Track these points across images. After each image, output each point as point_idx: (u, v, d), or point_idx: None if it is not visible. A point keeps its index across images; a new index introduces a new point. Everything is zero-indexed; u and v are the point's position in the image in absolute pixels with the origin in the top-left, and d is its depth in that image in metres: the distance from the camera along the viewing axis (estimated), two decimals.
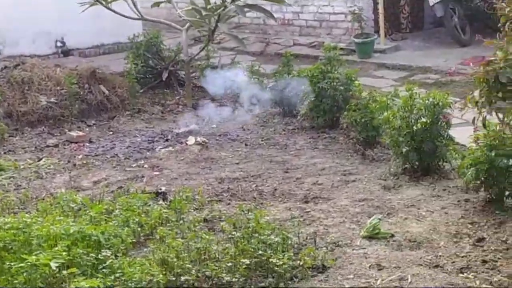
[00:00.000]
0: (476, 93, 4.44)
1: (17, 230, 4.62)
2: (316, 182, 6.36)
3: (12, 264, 4.16)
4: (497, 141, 5.04)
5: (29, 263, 4.11)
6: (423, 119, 6.20)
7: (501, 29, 4.42)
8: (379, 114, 6.75)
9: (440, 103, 6.15)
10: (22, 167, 7.03)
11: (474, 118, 4.44)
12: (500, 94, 4.35)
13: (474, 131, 4.85)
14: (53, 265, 4.08)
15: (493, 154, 5.27)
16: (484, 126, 4.54)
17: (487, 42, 4.55)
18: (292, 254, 4.69)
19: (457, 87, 9.24)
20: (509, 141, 5.29)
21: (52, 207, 5.43)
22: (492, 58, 4.36)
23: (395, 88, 7.10)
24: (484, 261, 4.61)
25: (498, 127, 4.72)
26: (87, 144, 7.87)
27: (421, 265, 4.62)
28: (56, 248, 4.25)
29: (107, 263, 4.35)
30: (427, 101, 6.19)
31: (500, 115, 4.44)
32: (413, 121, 6.24)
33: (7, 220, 4.79)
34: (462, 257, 4.70)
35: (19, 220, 4.77)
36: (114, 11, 9.49)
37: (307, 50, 12.52)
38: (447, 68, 10.47)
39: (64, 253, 4.22)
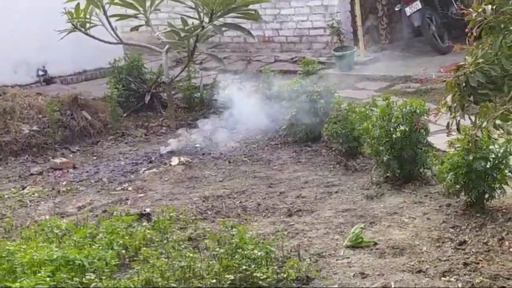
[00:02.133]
0: (449, 98, 4.48)
1: (1, 259, 4.64)
2: (300, 195, 6.40)
3: None
4: (470, 144, 5.10)
5: None
6: (402, 127, 6.27)
7: (469, 34, 4.48)
8: (358, 124, 6.82)
9: (418, 111, 6.22)
10: (6, 196, 7.03)
11: (448, 123, 4.48)
12: (471, 98, 4.40)
13: (448, 136, 4.90)
14: None
15: (470, 158, 5.34)
16: (458, 130, 4.58)
17: (456, 48, 4.60)
18: (276, 267, 4.71)
19: (437, 94, 9.31)
20: (485, 144, 5.36)
21: (36, 234, 5.44)
22: (462, 63, 4.41)
23: (373, 98, 7.17)
24: (465, 264, 4.65)
25: (471, 131, 4.79)
26: (71, 170, 7.88)
27: (404, 271, 4.66)
28: (40, 274, 4.27)
29: (92, 286, 4.37)
30: (404, 109, 6.26)
31: (473, 118, 4.50)
32: (392, 129, 6.30)
33: None
34: (445, 261, 4.75)
35: (2, 248, 4.80)
36: (93, 37, 9.54)
37: (289, 65, 12.60)
38: (428, 76, 10.56)
39: (48, 279, 4.24)
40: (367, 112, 6.82)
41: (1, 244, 5.12)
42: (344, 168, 7.09)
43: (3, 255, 4.66)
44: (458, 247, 4.94)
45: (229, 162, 7.72)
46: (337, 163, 7.23)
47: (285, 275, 4.59)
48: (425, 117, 6.22)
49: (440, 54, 11.96)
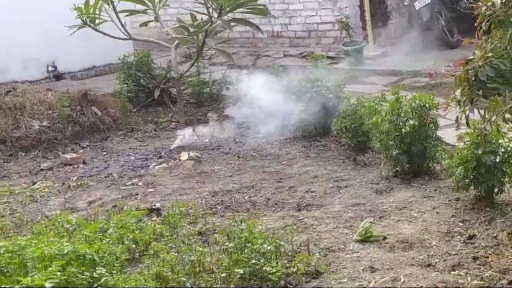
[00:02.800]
0: (458, 92, 4.48)
1: (12, 253, 4.66)
2: (309, 190, 6.41)
3: (8, 287, 4.20)
4: (479, 138, 5.10)
5: (24, 285, 4.15)
6: (411, 122, 6.26)
7: (478, 28, 4.47)
8: (368, 119, 6.82)
9: (427, 105, 6.21)
10: (17, 191, 7.07)
11: (457, 117, 4.48)
12: (480, 92, 4.39)
13: (457, 130, 4.90)
14: (48, 285, 4.11)
15: (479, 152, 5.34)
16: (468, 124, 4.58)
17: (465, 41, 4.59)
18: (285, 261, 4.75)
19: (446, 88, 9.29)
20: (494, 138, 5.35)
21: (47, 229, 5.47)
22: (471, 57, 4.41)
23: (382, 93, 7.16)
24: (475, 258, 4.66)
25: (480, 125, 4.79)
26: (81, 165, 7.93)
27: (414, 265, 4.67)
28: (51, 269, 4.29)
29: (102, 280, 4.39)
30: (413, 104, 6.25)
31: (482, 112, 4.49)
32: (401, 124, 6.29)
33: (2, 244, 4.84)
34: (454, 255, 4.75)
35: (14, 243, 4.82)
36: (103, 33, 9.55)
37: (298, 60, 12.59)
38: (437, 71, 10.54)
39: (58, 273, 4.25)
40: (376, 107, 6.82)
41: (12, 238, 5.15)
42: (353, 162, 7.09)
43: (15, 249, 4.68)
44: (468, 241, 4.95)
45: (238, 157, 7.74)
46: (346, 158, 7.24)
47: (294, 269, 4.62)
48: (434, 111, 6.21)
49: (449, 48, 11.91)
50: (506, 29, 4.29)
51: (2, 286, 4.23)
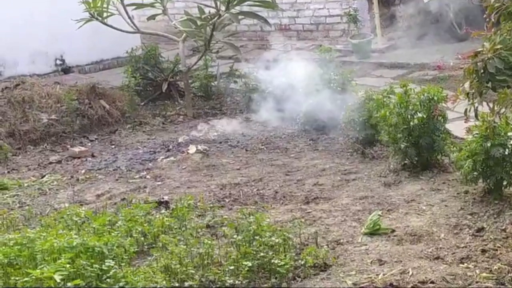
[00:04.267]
0: (467, 85, 4.46)
1: (22, 246, 4.68)
2: (317, 183, 6.41)
3: (17, 279, 4.22)
4: (488, 131, 5.09)
5: (33, 277, 4.17)
6: (420, 115, 6.25)
7: (487, 20, 4.45)
8: (376, 112, 6.81)
9: (435, 98, 6.19)
10: (26, 184, 7.09)
11: (466, 109, 4.47)
12: (489, 84, 4.38)
13: (465, 122, 4.88)
14: (57, 277, 4.12)
15: (488, 144, 5.33)
16: (476, 117, 4.57)
17: (474, 34, 4.57)
18: (294, 254, 4.76)
19: (455, 81, 9.24)
20: (503, 131, 5.33)
21: (56, 222, 5.49)
22: (480, 49, 4.39)
23: (390, 86, 7.14)
24: (484, 251, 4.66)
25: (488, 117, 4.77)
26: (90, 158, 7.94)
27: (422, 257, 4.67)
28: (60, 261, 4.30)
29: (111, 273, 4.40)
30: (422, 97, 6.24)
31: (491, 105, 4.48)
32: (409, 116, 6.28)
33: (11, 236, 4.87)
34: (462, 247, 4.76)
35: (23, 236, 4.84)
36: (111, 26, 9.56)
37: (306, 53, 12.55)
38: (445, 63, 10.51)
39: (67, 265, 4.26)
40: (384, 100, 6.81)
41: (21, 231, 5.18)
42: (361, 155, 7.09)
43: (24, 242, 4.69)
44: (476, 234, 4.95)
45: (246, 150, 7.74)
46: (354, 151, 7.24)
47: (302, 262, 4.63)
48: (443, 104, 6.19)
49: (458, 41, 11.86)
50: None
51: (12, 278, 4.25)
